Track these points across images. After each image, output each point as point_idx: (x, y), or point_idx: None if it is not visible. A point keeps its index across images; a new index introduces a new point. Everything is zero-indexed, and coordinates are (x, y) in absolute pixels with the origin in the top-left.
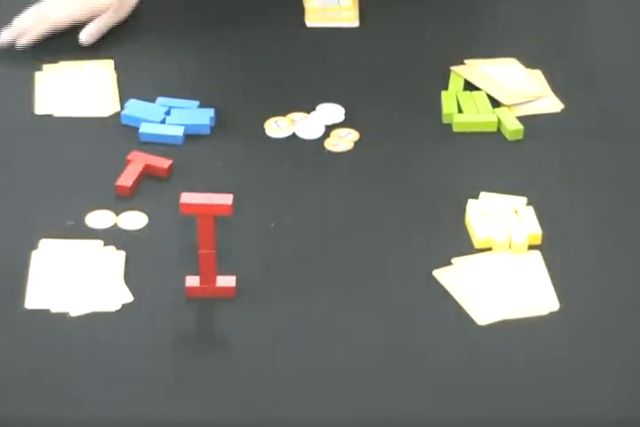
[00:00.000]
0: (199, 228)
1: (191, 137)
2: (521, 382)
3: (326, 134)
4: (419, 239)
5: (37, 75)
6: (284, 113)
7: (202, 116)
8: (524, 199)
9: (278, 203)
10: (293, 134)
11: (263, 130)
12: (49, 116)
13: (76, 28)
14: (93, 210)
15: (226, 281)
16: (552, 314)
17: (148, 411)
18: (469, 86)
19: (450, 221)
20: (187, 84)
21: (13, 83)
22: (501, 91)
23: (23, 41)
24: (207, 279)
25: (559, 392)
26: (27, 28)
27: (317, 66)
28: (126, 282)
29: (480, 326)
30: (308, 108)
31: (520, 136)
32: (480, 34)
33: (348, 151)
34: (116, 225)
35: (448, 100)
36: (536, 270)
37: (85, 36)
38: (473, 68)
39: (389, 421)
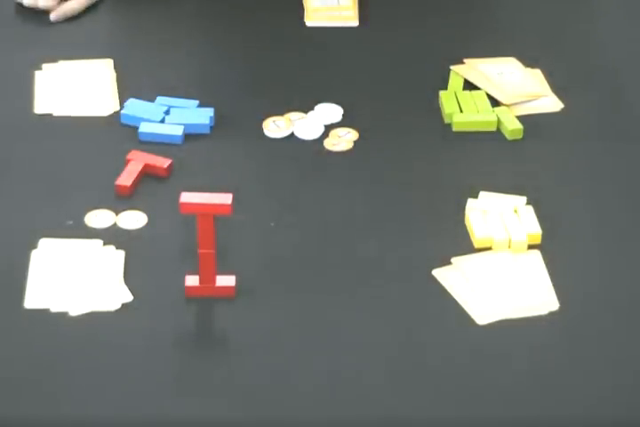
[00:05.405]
0: (199, 227)
1: (191, 136)
2: (521, 382)
3: (325, 134)
4: (418, 239)
5: (37, 74)
6: (282, 113)
7: (201, 116)
8: (523, 199)
9: (278, 203)
10: (293, 134)
11: (262, 129)
12: (48, 116)
13: (75, 25)
14: (93, 209)
15: (225, 281)
16: (552, 314)
17: (148, 411)
18: (469, 86)
19: (449, 221)
20: (186, 83)
21: (13, 82)
22: (501, 90)
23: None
24: (207, 279)
25: (559, 392)
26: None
27: (317, 65)
28: (126, 282)
29: (480, 326)
30: (307, 108)
31: (520, 136)
32: (480, 33)
33: (348, 151)
34: (115, 224)
35: (448, 100)
36: (536, 270)
37: (56, 16)
38: (472, 68)
39: (389, 421)
